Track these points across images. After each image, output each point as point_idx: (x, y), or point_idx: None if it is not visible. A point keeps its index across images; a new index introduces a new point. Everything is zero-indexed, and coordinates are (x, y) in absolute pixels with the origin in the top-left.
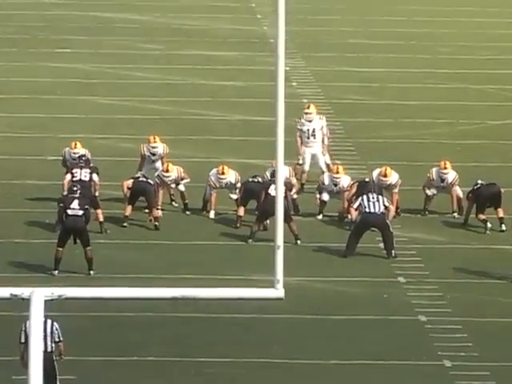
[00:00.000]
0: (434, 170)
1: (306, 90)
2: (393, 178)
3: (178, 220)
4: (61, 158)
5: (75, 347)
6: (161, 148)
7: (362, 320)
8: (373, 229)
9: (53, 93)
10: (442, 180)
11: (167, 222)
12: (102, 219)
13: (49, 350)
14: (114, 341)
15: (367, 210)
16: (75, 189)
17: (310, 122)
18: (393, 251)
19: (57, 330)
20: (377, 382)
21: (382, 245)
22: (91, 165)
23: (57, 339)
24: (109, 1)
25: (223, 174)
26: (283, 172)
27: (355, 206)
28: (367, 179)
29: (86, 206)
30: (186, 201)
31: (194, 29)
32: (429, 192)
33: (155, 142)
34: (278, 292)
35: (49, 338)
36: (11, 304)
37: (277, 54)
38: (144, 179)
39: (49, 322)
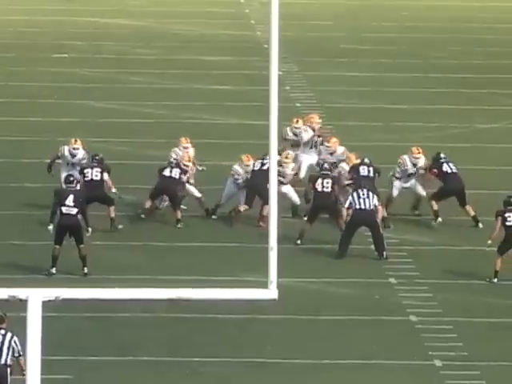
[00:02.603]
0: (406, 156)
1: (299, 94)
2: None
3: (173, 222)
4: (58, 156)
5: (72, 347)
6: (81, 153)
7: (353, 320)
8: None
9: (50, 97)
10: (414, 165)
11: (162, 223)
12: (113, 215)
13: (2, 362)
14: (110, 341)
15: (357, 206)
16: (72, 179)
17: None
18: (384, 252)
19: (16, 344)
20: (368, 382)
21: (374, 246)
22: (104, 163)
23: (16, 354)
24: (105, 7)
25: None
26: None
27: (346, 205)
28: (366, 160)
29: (81, 200)
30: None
31: (189, 34)
32: (395, 191)
33: (76, 143)
34: (272, 293)
35: (5, 351)
36: (9, 305)
37: (270, 58)
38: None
39: (8, 334)
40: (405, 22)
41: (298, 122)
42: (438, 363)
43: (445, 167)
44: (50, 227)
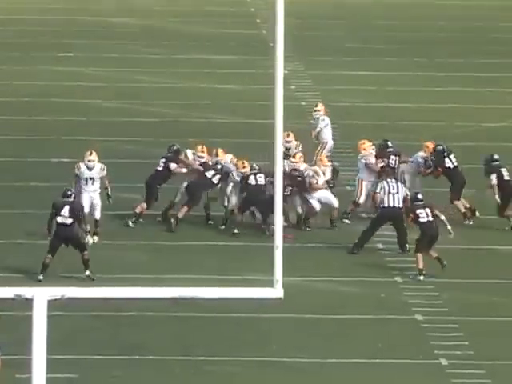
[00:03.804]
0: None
1: (305, 93)
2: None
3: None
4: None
5: (77, 346)
6: (98, 166)
7: (359, 319)
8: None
9: (55, 96)
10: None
11: (139, 224)
12: (139, 211)
13: None
14: (114, 340)
15: (386, 204)
16: (69, 193)
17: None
18: (406, 245)
19: None
20: (374, 380)
21: (380, 245)
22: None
23: None
24: (110, 5)
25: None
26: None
27: (378, 190)
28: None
29: (77, 211)
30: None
31: (194, 33)
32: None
33: (91, 155)
34: (277, 292)
35: None
36: (14, 304)
37: (276, 57)
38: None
39: None
40: (410, 20)
41: (288, 135)
42: (443, 362)
43: (447, 162)
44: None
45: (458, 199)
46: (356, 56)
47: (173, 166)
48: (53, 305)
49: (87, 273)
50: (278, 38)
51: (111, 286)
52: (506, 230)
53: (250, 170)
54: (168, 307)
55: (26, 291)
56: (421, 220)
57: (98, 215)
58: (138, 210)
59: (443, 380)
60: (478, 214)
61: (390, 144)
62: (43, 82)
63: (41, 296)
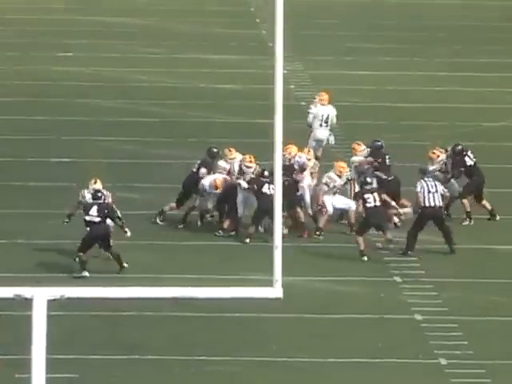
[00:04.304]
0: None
1: (304, 92)
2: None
3: (177, 220)
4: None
5: (77, 346)
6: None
7: (358, 319)
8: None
9: (55, 96)
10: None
11: (166, 222)
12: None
13: None
14: (114, 339)
15: (427, 203)
16: (99, 195)
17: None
18: (453, 245)
19: None
20: (373, 380)
21: (379, 244)
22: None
23: None
24: (110, 5)
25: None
26: None
27: (418, 189)
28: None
29: (106, 212)
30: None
31: (193, 32)
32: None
33: (95, 184)
34: (277, 291)
35: None
36: (14, 303)
37: (275, 57)
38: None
39: None
40: (410, 20)
41: (250, 160)
42: (443, 362)
43: (468, 161)
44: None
45: (466, 198)
46: (356, 56)
47: (202, 170)
48: (52, 304)
49: (125, 265)
50: (277, 38)
51: (110, 286)
52: (506, 230)
53: (262, 176)
54: (167, 307)
55: (25, 291)
56: (367, 205)
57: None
58: (166, 208)
59: (442, 379)
60: (498, 217)
61: (382, 144)
62: (43, 81)
63: (40, 296)
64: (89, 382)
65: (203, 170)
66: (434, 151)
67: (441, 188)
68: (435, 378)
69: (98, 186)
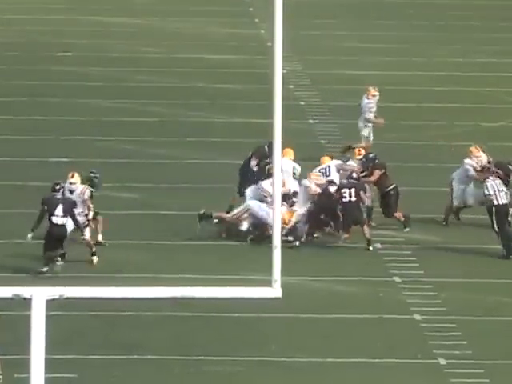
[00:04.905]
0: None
1: (303, 92)
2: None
3: (174, 221)
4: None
5: (76, 346)
6: (79, 188)
7: (357, 319)
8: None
9: (54, 96)
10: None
11: (165, 222)
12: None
13: None
14: (114, 339)
15: (499, 201)
16: (57, 187)
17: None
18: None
19: None
20: (372, 380)
21: (378, 244)
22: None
23: None
24: (109, 5)
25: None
26: None
27: (490, 192)
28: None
29: (72, 210)
30: None
31: (192, 32)
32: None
33: (73, 178)
34: (276, 291)
35: None
36: (12, 303)
37: (274, 57)
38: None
39: None
40: (408, 19)
41: (73, 176)
42: (442, 361)
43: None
44: (30, 235)
45: None
46: (354, 55)
47: (252, 162)
48: (51, 304)
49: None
50: (276, 38)
51: (110, 286)
52: None
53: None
54: (167, 307)
55: (24, 291)
56: (343, 200)
57: (87, 235)
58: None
59: (442, 379)
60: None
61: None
62: (43, 81)
63: (39, 296)
64: (88, 381)
65: (253, 162)
66: (477, 147)
67: (504, 187)
68: (434, 377)
69: (75, 179)
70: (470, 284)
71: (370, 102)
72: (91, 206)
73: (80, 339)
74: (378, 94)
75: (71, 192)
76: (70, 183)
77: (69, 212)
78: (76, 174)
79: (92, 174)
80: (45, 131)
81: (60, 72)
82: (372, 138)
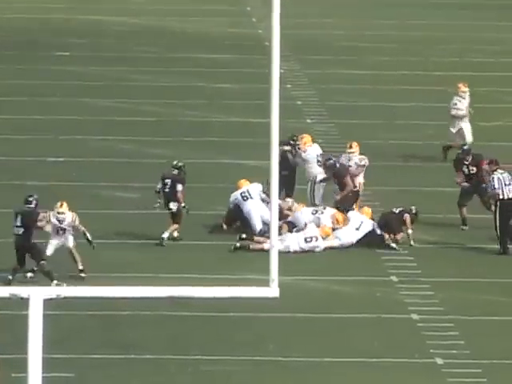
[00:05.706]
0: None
1: (301, 92)
2: None
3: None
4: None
5: (73, 345)
6: (69, 216)
7: (355, 318)
8: None
9: (52, 95)
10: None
11: (164, 222)
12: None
13: None
14: (111, 339)
15: (505, 196)
16: (30, 199)
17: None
18: None
19: None
20: (370, 380)
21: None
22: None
23: None
24: (107, 5)
25: None
26: None
27: (496, 185)
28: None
29: (28, 223)
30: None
31: (190, 32)
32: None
33: (61, 207)
34: (273, 291)
35: None
36: (10, 303)
37: (272, 56)
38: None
39: None
40: (405, 19)
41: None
42: (439, 361)
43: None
44: None
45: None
46: (352, 55)
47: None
48: (49, 304)
49: (28, 275)
50: (273, 37)
51: (107, 285)
52: None
53: None
54: (164, 306)
55: (21, 290)
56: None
57: (72, 248)
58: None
59: (439, 379)
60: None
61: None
62: (42, 81)
63: (36, 295)
64: (86, 381)
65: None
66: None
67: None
68: (432, 377)
69: (64, 209)
70: (468, 284)
71: (457, 98)
72: (83, 228)
73: (78, 339)
74: (467, 89)
75: (60, 222)
76: (58, 213)
77: (29, 223)
78: (64, 204)
79: (180, 163)
80: (44, 130)
81: (59, 71)
82: (468, 136)
